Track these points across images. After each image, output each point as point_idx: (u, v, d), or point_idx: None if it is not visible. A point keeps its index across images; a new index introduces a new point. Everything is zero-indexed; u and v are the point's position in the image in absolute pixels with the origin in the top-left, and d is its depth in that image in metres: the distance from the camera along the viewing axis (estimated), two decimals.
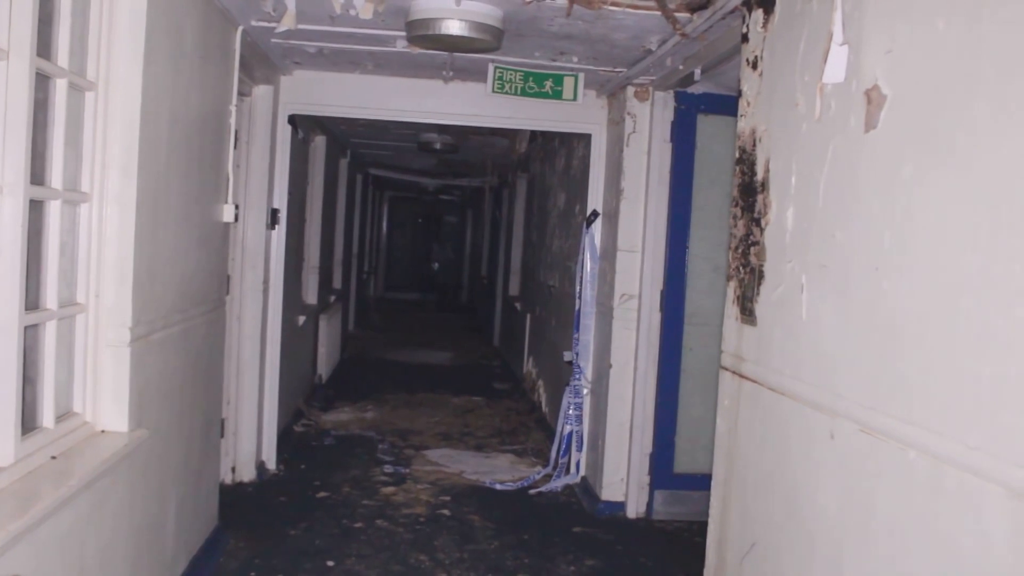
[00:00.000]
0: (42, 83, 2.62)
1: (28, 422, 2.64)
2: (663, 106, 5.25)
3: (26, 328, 2.55)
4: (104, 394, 3.03)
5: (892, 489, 2.05)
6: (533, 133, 8.64)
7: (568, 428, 5.96)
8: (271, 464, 5.86)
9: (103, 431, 3.02)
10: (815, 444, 2.44)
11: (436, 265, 22.59)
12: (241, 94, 4.88)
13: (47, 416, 2.75)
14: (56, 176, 2.74)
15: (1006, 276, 1.71)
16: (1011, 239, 1.70)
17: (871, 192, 2.22)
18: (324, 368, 9.11)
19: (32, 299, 2.64)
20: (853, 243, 2.30)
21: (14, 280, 2.45)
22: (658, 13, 3.84)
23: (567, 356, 6.08)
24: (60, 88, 2.72)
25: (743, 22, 3.17)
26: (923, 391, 1.95)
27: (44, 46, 2.60)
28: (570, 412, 5.93)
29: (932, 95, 1.99)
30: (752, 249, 2.95)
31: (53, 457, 2.68)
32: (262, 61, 5.04)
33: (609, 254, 5.56)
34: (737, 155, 3.14)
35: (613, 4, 3.80)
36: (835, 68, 2.42)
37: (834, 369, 2.36)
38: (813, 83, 2.56)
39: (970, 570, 1.78)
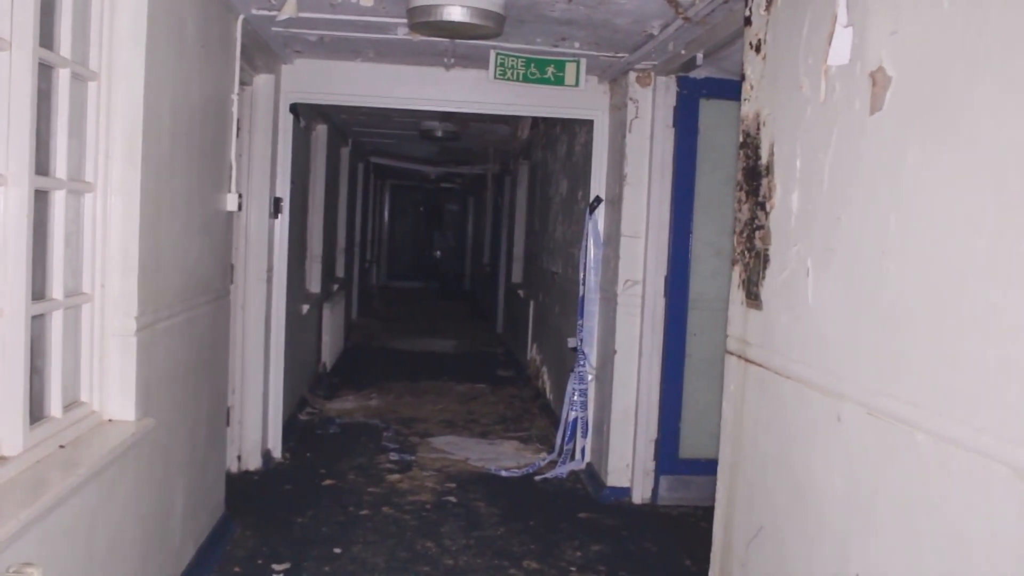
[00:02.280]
0: (45, 73, 2.62)
1: (36, 411, 2.66)
2: (665, 91, 5.23)
3: (32, 318, 2.55)
4: (111, 383, 3.04)
5: (899, 472, 2.05)
6: (535, 120, 8.61)
7: (573, 414, 5.98)
8: (277, 452, 5.88)
9: (110, 420, 3.04)
10: (821, 428, 2.44)
11: (438, 253, 22.60)
12: (242, 83, 4.87)
13: (55, 405, 2.77)
14: (60, 166, 2.74)
15: (1012, 258, 1.70)
16: (1017, 220, 1.70)
17: (876, 175, 2.22)
18: (328, 356, 9.13)
19: (38, 289, 2.65)
20: (858, 226, 2.29)
21: (20, 270, 2.46)
22: None
23: (571, 343, 6.08)
24: (63, 78, 2.72)
25: (746, 5, 3.16)
26: (930, 373, 1.95)
27: (46, 36, 2.59)
28: (575, 398, 5.94)
29: (938, 76, 1.98)
30: (757, 233, 2.95)
31: (61, 446, 2.69)
32: (263, 50, 5.03)
33: (612, 240, 5.56)
34: (741, 139, 3.13)
35: None
36: (839, 50, 2.41)
37: (840, 352, 2.36)
38: (817, 66, 2.55)
39: (977, 551, 1.78)
